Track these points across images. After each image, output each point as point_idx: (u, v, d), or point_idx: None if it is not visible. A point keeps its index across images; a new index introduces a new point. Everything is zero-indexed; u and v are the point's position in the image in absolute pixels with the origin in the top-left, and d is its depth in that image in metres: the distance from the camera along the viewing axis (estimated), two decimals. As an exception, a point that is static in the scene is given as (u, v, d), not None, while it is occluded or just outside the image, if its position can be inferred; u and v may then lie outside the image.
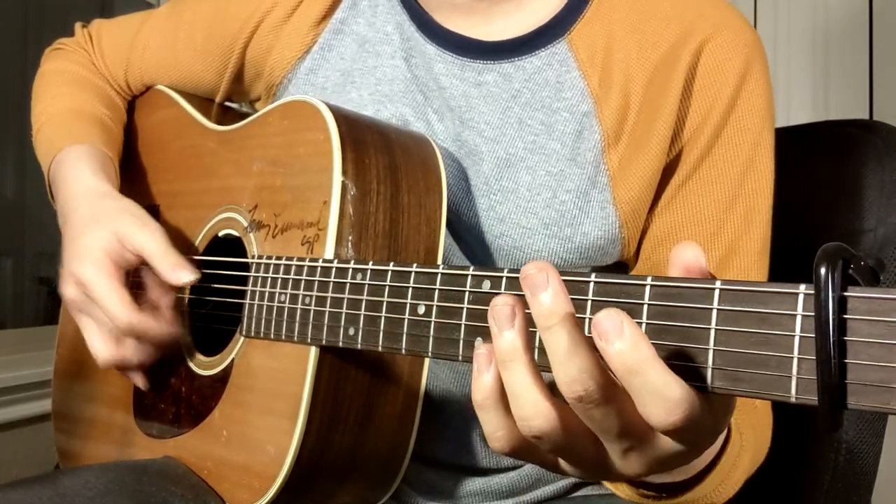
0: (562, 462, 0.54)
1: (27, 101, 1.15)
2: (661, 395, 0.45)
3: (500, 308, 0.49)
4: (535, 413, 0.49)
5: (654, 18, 0.88)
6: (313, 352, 0.76)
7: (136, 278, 1.00)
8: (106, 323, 0.87)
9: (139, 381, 0.93)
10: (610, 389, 0.47)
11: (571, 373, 0.46)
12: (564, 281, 0.49)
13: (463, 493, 0.95)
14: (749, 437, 0.73)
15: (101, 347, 0.89)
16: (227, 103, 1.13)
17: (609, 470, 0.53)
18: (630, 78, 0.87)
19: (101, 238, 0.89)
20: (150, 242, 0.89)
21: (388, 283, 0.67)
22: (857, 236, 1.02)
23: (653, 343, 0.47)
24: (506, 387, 0.50)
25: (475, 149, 0.90)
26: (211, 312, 0.93)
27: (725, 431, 0.66)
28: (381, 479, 0.85)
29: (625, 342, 0.45)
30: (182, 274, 0.87)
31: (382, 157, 0.82)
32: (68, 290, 0.89)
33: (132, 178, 1.11)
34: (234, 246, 0.90)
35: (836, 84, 2.16)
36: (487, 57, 0.92)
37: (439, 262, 0.84)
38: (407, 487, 0.94)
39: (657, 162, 0.86)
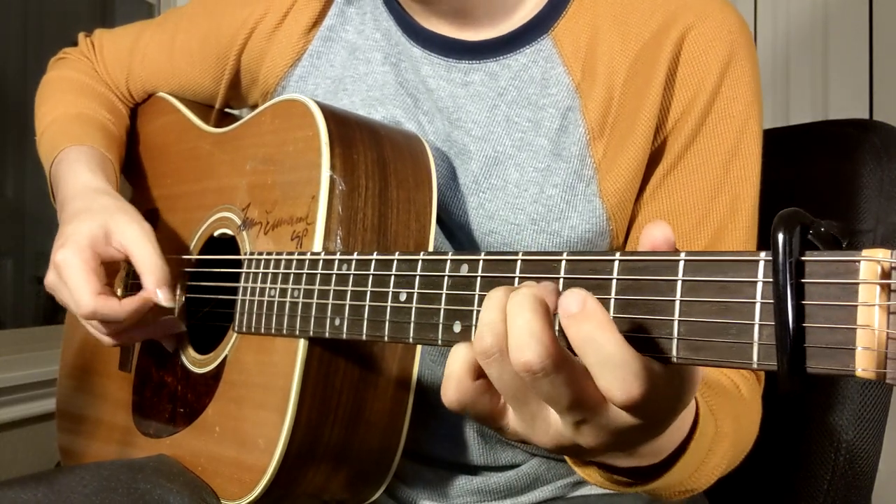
0: (511, 421, 0.54)
1: (27, 103, 1.17)
2: (617, 368, 0.46)
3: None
4: (488, 331, 0.49)
5: (637, 10, 0.88)
6: (302, 345, 0.76)
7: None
8: (78, 313, 0.87)
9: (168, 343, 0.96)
10: (558, 359, 0.47)
11: (522, 337, 0.47)
12: (537, 260, 0.52)
13: (460, 492, 0.95)
14: (727, 423, 0.72)
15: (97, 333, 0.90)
16: (227, 109, 1.14)
17: (563, 441, 0.53)
18: (613, 70, 0.87)
19: (87, 227, 0.89)
20: (139, 244, 0.89)
21: (371, 272, 0.67)
22: (857, 236, 1.02)
23: (620, 317, 0.48)
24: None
25: (464, 148, 0.90)
26: (208, 311, 0.94)
27: (693, 418, 0.64)
28: (372, 473, 0.85)
29: (583, 313, 0.46)
30: (161, 292, 0.87)
31: (371, 152, 0.83)
32: (48, 276, 0.90)
33: (133, 184, 1.13)
34: (228, 245, 0.92)
35: (836, 84, 2.16)
36: (473, 57, 0.93)
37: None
38: (404, 485, 0.95)
39: (642, 152, 0.86)
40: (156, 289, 0.87)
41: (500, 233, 0.88)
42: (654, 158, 0.88)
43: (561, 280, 0.51)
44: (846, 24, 2.14)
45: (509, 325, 0.48)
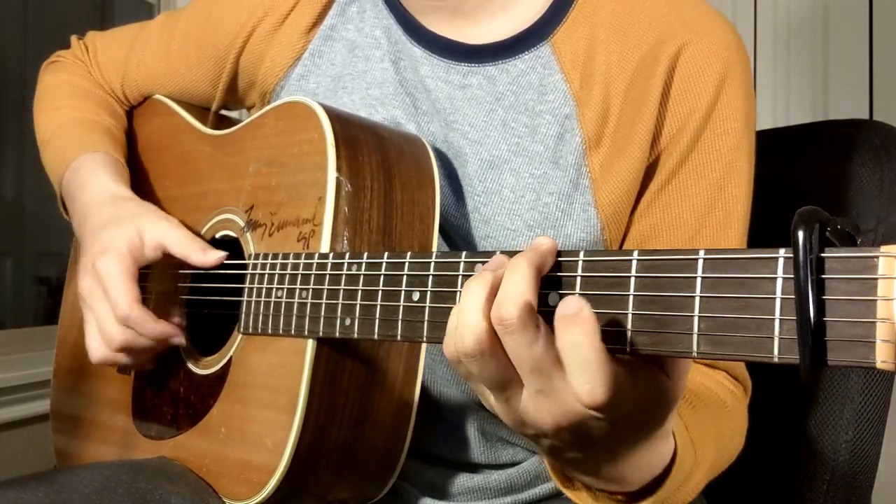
0: (490, 395, 0.58)
1: (27, 103, 1.16)
2: (591, 373, 0.50)
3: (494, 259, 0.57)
4: (469, 331, 0.53)
5: (636, 21, 0.89)
6: (310, 345, 0.77)
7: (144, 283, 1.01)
8: (107, 317, 0.88)
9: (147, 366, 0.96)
10: (528, 322, 0.51)
11: (508, 294, 0.52)
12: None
13: (461, 490, 0.95)
14: (708, 449, 0.74)
15: (97, 345, 0.90)
16: (224, 112, 1.14)
17: (523, 415, 0.56)
18: (611, 80, 0.88)
19: (123, 234, 0.91)
20: (171, 233, 0.92)
21: (382, 272, 0.68)
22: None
23: (640, 313, 0.49)
24: (461, 306, 0.54)
25: (460, 150, 0.91)
26: (209, 313, 0.94)
27: (669, 459, 0.65)
28: (378, 473, 0.85)
29: (577, 317, 0.49)
30: (212, 255, 0.90)
31: (376, 154, 0.83)
32: (85, 281, 0.91)
33: (132, 187, 1.13)
34: (231, 247, 0.92)
35: (836, 84, 2.17)
36: (472, 60, 0.93)
37: (433, 255, 0.86)
38: (406, 484, 0.95)
39: (638, 165, 0.87)
40: (205, 256, 0.90)
41: (496, 238, 0.88)
42: (650, 172, 0.88)
43: (578, 279, 0.52)
44: (846, 24, 2.15)
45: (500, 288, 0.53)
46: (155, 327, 0.88)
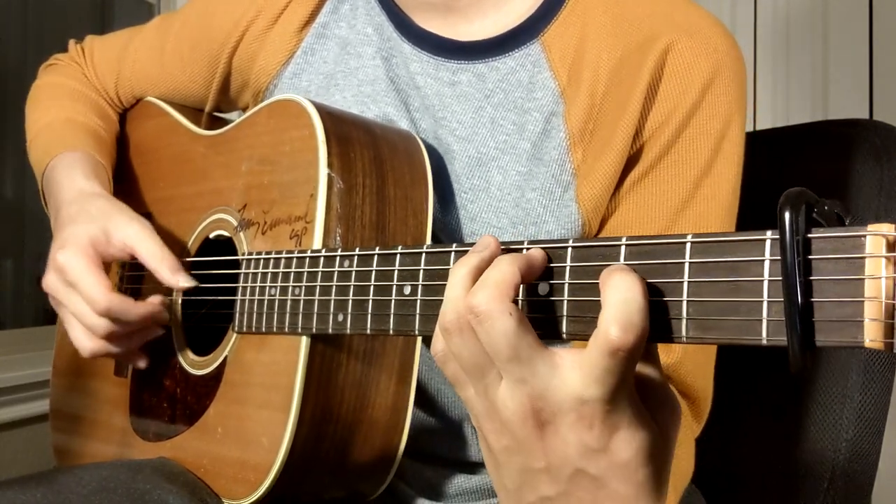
0: (469, 389, 0.55)
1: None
2: (631, 310, 0.46)
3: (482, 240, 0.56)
4: (451, 307, 0.52)
5: (627, 20, 0.88)
6: (304, 342, 0.76)
7: (130, 278, 1.01)
8: (84, 311, 0.88)
9: (139, 363, 0.96)
10: (502, 312, 0.49)
11: (483, 283, 0.51)
12: (544, 248, 0.53)
13: (459, 491, 0.95)
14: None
15: (83, 338, 0.90)
16: (217, 113, 1.14)
17: (500, 406, 0.52)
18: (598, 78, 0.87)
19: (86, 229, 0.90)
20: (143, 240, 0.90)
21: (374, 267, 0.68)
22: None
23: None
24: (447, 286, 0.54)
25: (448, 147, 0.91)
26: (206, 313, 0.94)
27: None
28: (374, 471, 0.85)
29: (634, 275, 0.48)
30: (181, 278, 0.89)
31: (368, 151, 0.83)
32: (48, 278, 0.90)
33: (125, 189, 1.12)
34: (225, 246, 0.91)
35: (836, 84, 2.17)
36: (462, 57, 0.93)
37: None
38: (404, 485, 0.95)
39: (619, 160, 0.86)
40: (174, 276, 0.89)
41: (482, 234, 0.88)
42: (629, 165, 0.87)
43: (567, 268, 0.52)
44: (846, 24, 2.15)
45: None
46: (139, 311, 0.88)
